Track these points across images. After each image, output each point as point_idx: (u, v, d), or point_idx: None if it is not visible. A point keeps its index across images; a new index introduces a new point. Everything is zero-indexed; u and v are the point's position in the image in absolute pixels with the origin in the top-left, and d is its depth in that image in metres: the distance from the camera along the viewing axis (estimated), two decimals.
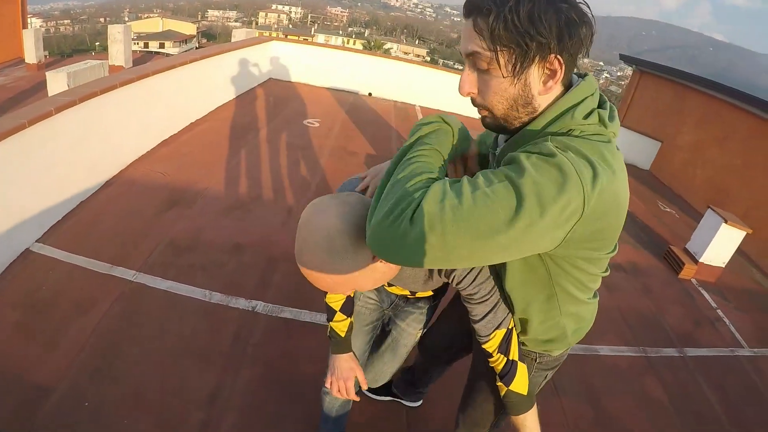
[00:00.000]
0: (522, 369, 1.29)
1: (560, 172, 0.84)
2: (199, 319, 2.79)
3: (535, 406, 1.36)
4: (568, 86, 1.02)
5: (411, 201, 0.84)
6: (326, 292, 1.50)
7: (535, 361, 1.38)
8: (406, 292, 1.66)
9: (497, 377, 1.31)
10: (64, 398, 2.17)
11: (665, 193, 8.29)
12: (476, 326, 1.26)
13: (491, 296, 1.21)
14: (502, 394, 1.31)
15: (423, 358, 2.20)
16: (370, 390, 2.50)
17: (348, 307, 1.55)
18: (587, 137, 0.95)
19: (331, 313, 1.55)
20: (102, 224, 3.51)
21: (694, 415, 3.07)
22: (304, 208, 1.06)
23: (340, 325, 1.56)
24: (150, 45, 55.52)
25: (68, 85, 6.58)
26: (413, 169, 0.90)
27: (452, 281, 1.25)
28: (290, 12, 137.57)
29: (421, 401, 2.54)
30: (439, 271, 1.28)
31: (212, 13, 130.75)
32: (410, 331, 1.81)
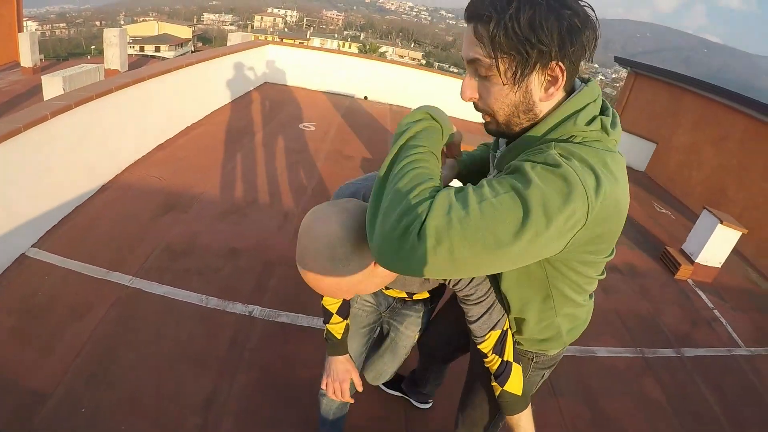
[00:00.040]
0: (516, 370, 1.30)
1: (565, 182, 0.83)
2: (196, 324, 2.78)
3: (530, 406, 1.37)
4: (570, 91, 1.01)
5: (417, 215, 0.81)
6: (323, 295, 1.51)
7: (532, 360, 1.39)
8: (403, 295, 1.67)
9: (492, 377, 1.32)
10: (60, 404, 2.16)
11: (661, 194, 8.32)
12: (472, 327, 1.27)
13: (487, 298, 1.23)
14: (497, 394, 1.33)
15: (421, 357, 2.24)
16: (384, 385, 2.57)
17: (344, 310, 1.56)
18: (589, 144, 0.95)
19: (327, 316, 1.55)
20: (98, 229, 3.50)
21: (692, 416, 3.07)
22: (300, 212, 1.07)
23: (337, 327, 1.56)
24: (146, 49, 55.54)
25: (64, 89, 6.55)
26: (413, 177, 0.88)
27: (449, 283, 1.26)
28: (286, 15, 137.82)
29: (430, 404, 2.56)
30: None
31: (208, 17, 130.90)
32: (408, 333, 1.83)
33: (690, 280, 5.00)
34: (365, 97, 9.20)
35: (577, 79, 1.04)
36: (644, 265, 5.09)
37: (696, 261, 5.01)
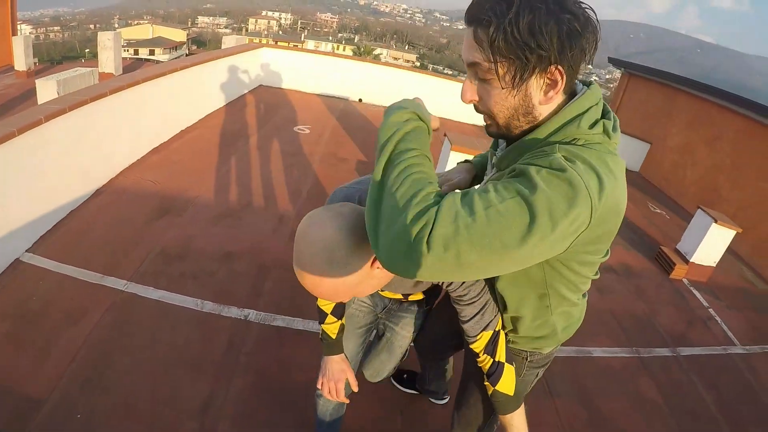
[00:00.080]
0: (509, 370, 1.31)
1: (570, 186, 0.84)
2: (191, 329, 2.77)
3: (523, 406, 1.38)
4: (570, 94, 1.02)
5: (424, 223, 0.81)
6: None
7: (526, 359, 1.41)
8: (399, 296, 1.70)
9: (485, 376, 1.34)
10: (55, 409, 2.15)
11: (655, 194, 8.35)
12: (464, 327, 1.29)
13: (480, 298, 1.24)
14: (489, 393, 1.34)
15: (418, 357, 2.27)
16: (397, 381, 2.66)
17: (339, 310, 1.57)
18: (591, 146, 0.96)
19: (322, 316, 1.57)
20: (92, 233, 3.48)
21: (689, 415, 3.08)
22: (295, 215, 1.08)
23: (332, 327, 1.57)
24: (140, 52, 55.40)
25: (58, 93, 6.54)
26: (412, 183, 0.86)
27: (442, 283, 1.28)
28: (280, 18, 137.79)
29: (446, 399, 2.60)
30: None
31: (202, 20, 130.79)
32: (404, 334, 1.86)
33: (685, 280, 5.02)
34: (360, 100, 9.21)
35: (578, 82, 1.05)
36: (639, 265, 5.10)
37: (691, 260, 5.03)
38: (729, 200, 7.24)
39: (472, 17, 0.94)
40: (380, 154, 0.92)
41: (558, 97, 0.99)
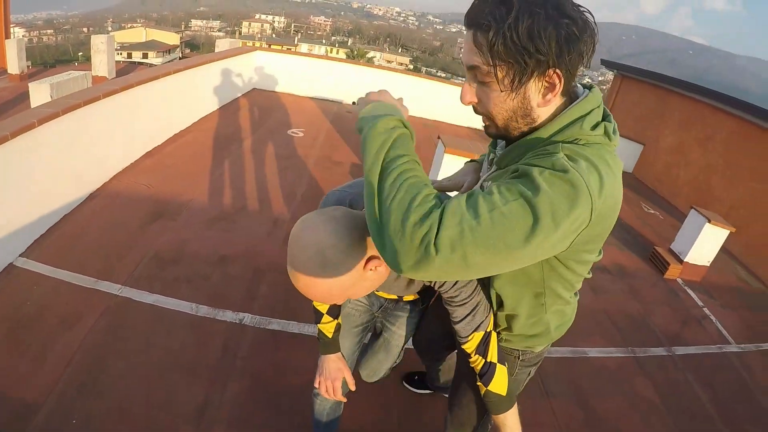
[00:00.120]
0: (501, 370, 1.33)
1: (572, 187, 0.86)
2: (187, 333, 2.76)
3: (516, 405, 1.39)
4: (568, 96, 1.05)
5: (428, 227, 0.83)
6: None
7: (518, 358, 1.43)
8: (394, 296, 1.71)
9: (477, 377, 1.35)
10: (51, 415, 2.13)
11: (649, 195, 8.38)
12: (456, 327, 1.30)
13: (471, 299, 1.26)
14: (482, 393, 1.36)
15: (418, 355, 2.29)
16: (409, 383, 2.70)
17: (334, 310, 1.58)
18: (593, 146, 0.99)
19: (318, 316, 1.58)
20: (86, 238, 3.47)
21: (685, 414, 3.09)
22: (289, 218, 1.09)
23: (328, 326, 1.58)
24: (133, 55, 55.23)
25: (51, 96, 6.52)
26: (408, 187, 0.88)
27: (434, 285, 1.28)
28: (273, 21, 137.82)
29: None
30: None
31: (196, 23, 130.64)
32: (400, 333, 1.88)
33: (679, 279, 5.04)
34: (353, 103, 9.17)
35: (579, 85, 1.07)
36: (633, 265, 5.12)
37: (685, 260, 5.05)
38: (722, 200, 7.28)
39: (471, 21, 0.96)
40: (373, 162, 0.92)
41: (556, 100, 1.01)
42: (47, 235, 3.42)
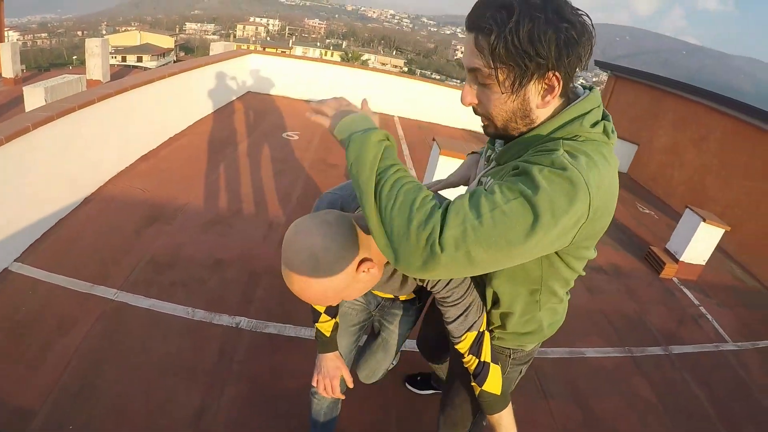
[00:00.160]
0: (495, 370, 1.34)
1: (571, 184, 0.89)
2: (183, 337, 2.75)
3: (510, 405, 1.40)
4: (566, 98, 1.07)
5: (432, 228, 0.87)
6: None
7: (509, 357, 1.44)
8: (391, 295, 1.73)
9: (471, 377, 1.36)
10: (47, 421, 2.12)
11: (644, 195, 8.41)
12: (449, 328, 1.31)
13: (463, 300, 1.27)
14: (477, 393, 1.37)
15: (422, 355, 2.30)
16: (412, 384, 2.69)
17: (332, 309, 1.60)
18: (592, 142, 1.02)
19: (316, 315, 1.59)
20: (82, 242, 3.45)
21: (683, 413, 3.10)
22: (285, 221, 1.10)
23: (325, 325, 1.60)
24: (128, 59, 55.17)
25: (46, 100, 6.49)
26: (406, 193, 0.91)
27: (427, 285, 1.30)
28: (268, 24, 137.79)
29: None
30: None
31: (190, 26, 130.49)
32: (398, 332, 1.89)
33: (675, 279, 5.06)
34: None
35: (580, 86, 1.11)
36: (629, 265, 5.13)
37: (680, 259, 5.07)
38: (716, 199, 7.31)
39: (473, 24, 0.98)
40: (368, 176, 0.94)
41: (555, 102, 1.04)
42: (42, 240, 3.40)
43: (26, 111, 4.82)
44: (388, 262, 1.24)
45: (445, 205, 0.92)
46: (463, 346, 1.31)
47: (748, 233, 6.40)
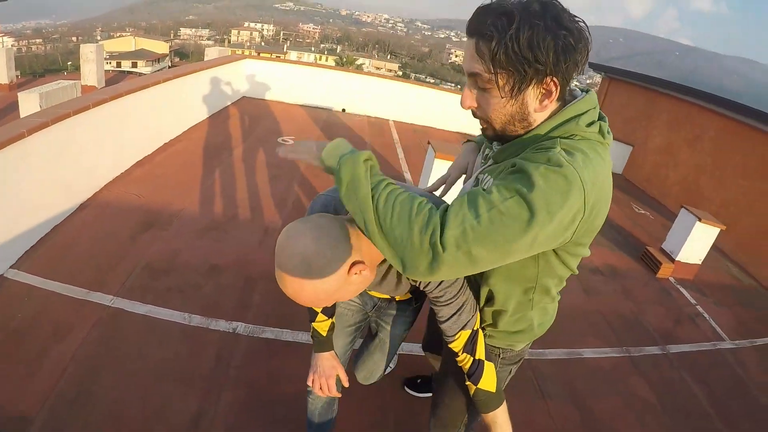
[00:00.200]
0: (489, 367, 1.36)
1: (566, 181, 0.93)
2: (180, 343, 2.74)
3: (505, 402, 1.41)
4: (563, 101, 1.10)
5: (432, 230, 0.94)
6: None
7: (499, 356, 1.46)
8: (387, 296, 1.73)
9: (466, 377, 1.37)
10: (44, 428, 2.10)
11: (639, 195, 8.44)
12: (442, 327, 1.33)
13: (456, 299, 1.28)
14: (472, 393, 1.38)
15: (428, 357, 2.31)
16: (412, 388, 2.69)
17: (329, 309, 1.62)
18: (588, 141, 1.06)
19: (312, 315, 1.61)
20: (77, 248, 3.44)
21: (681, 412, 3.10)
22: (281, 226, 1.12)
23: (322, 325, 1.61)
24: (122, 64, 55.09)
25: (40, 106, 6.49)
26: (402, 201, 0.98)
27: (419, 285, 1.31)
28: (262, 29, 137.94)
29: None
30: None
31: (185, 32, 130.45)
32: (395, 332, 1.89)
33: (671, 278, 5.07)
34: (343, 110, 9.23)
35: (577, 89, 1.15)
36: (625, 265, 5.15)
37: (676, 259, 5.09)
38: (711, 199, 7.34)
39: (474, 30, 1.01)
40: (365, 191, 1.00)
41: (552, 105, 1.07)
42: (38, 246, 3.39)
43: (21, 117, 4.81)
44: (380, 263, 1.26)
45: (444, 208, 0.98)
46: (457, 345, 1.32)
47: (743, 232, 6.43)
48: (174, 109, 5.97)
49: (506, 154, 1.15)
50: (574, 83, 1.11)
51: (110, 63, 52.00)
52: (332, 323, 1.64)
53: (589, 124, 1.07)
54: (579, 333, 3.64)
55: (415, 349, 2.99)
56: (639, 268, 5.17)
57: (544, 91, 1.03)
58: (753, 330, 4.49)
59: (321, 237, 1.05)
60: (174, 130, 6.00)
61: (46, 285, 3.02)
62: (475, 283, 1.33)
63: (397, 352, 2.00)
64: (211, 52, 10.00)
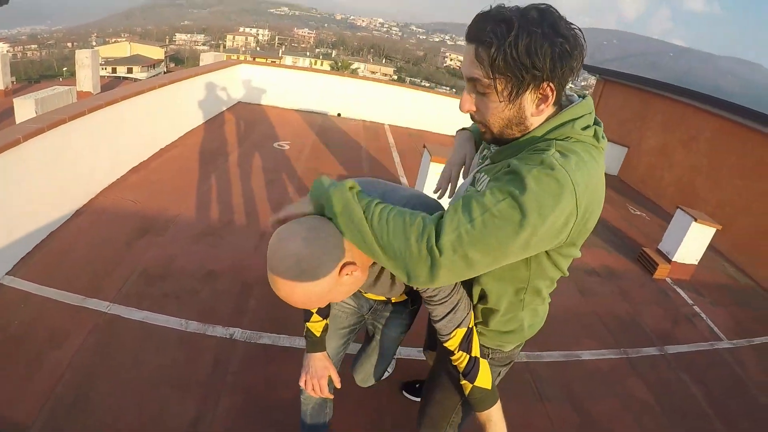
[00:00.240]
0: (484, 364, 1.37)
1: (558, 183, 0.96)
2: (176, 349, 2.73)
3: (499, 401, 1.41)
4: (559, 106, 1.14)
5: (427, 238, 0.98)
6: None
7: (488, 357, 1.46)
8: (383, 297, 1.73)
9: (461, 376, 1.37)
10: None
11: (634, 197, 8.46)
12: (437, 326, 1.33)
13: (450, 297, 1.28)
14: (468, 391, 1.38)
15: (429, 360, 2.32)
16: (410, 392, 2.69)
17: (323, 310, 1.63)
18: (582, 144, 1.09)
19: (307, 315, 1.62)
20: (73, 254, 3.43)
21: (679, 412, 3.10)
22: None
23: (316, 325, 1.63)
24: (118, 70, 55.00)
25: (36, 112, 6.45)
26: (395, 216, 1.03)
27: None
28: (258, 34, 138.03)
29: None
30: None
31: (180, 37, 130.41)
32: (392, 334, 1.90)
33: (668, 279, 5.08)
34: (338, 114, 9.23)
35: (574, 94, 1.18)
36: (622, 266, 5.16)
37: (673, 259, 5.09)
38: (707, 200, 7.37)
39: (474, 36, 1.04)
40: (359, 215, 1.05)
41: (548, 110, 1.11)
42: (34, 253, 3.38)
43: (17, 123, 4.78)
44: (373, 264, 1.27)
45: (440, 215, 1.03)
46: (452, 344, 1.33)
47: (739, 232, 6.45)
48: (169, 114, 5.96)
49: (503, 155, 1.18)
50: (568, 86, 1.13)
51: (106, 69, 51.99)
52: (326, 324, 1.65)
53: (585, 128, 1.09)
54: (576, 335, 3.64)
55: (412, 353, 2.99)
56: (635, 269, 5.18)
57: (540, 96, 1.06)
58: (750, 329, 4.50)
59: (312, 239, 1.06)
60: (169, 135, 5.99)
61: (42, 291, 3.00)
62: (467, 282, 1.33)
63: (395, 357, 2.00)
64: (207, 58, 9.98)
